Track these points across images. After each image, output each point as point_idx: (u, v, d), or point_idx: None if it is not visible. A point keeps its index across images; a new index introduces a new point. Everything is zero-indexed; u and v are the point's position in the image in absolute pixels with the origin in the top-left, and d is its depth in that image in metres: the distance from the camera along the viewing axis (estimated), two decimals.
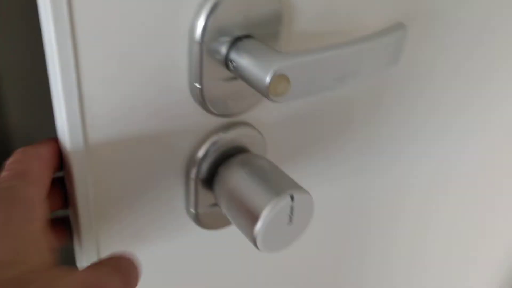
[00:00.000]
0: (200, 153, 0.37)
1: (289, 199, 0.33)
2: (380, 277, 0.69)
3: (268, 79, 0.30)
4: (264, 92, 0.30)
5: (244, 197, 0.35)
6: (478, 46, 0.53)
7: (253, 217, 0.33)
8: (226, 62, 0.33)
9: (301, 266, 0.55)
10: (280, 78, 0.30)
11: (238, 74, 0.32)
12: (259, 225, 0.33)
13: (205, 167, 0.37)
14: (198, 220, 0.39)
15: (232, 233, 0.43)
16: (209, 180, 0.38)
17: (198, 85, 0.33)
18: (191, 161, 0.37)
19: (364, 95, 0.45)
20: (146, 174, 0.36)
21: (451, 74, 0.53)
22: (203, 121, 0.36)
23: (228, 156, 0.38)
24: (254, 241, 0.34)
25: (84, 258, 0.37)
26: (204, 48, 0.32)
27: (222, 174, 0.37)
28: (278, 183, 0.35)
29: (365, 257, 0.64)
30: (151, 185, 0.37)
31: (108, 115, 0.32)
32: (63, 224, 0.37)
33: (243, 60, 0.32)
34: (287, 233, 0.35)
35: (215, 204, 0.39)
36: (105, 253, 0.37)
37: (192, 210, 0.39)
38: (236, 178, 0.36)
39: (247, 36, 0.33)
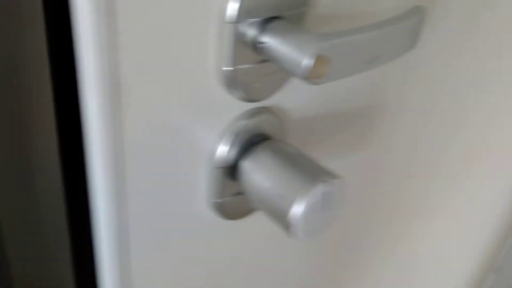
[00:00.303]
0: (225, 141, 0.35)
1: (325, 185, 0.33)
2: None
3: (308, 61, 0.29)
4: (303, 74, 0.29)
5: (276, 185, 0.34)
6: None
7: (288, 205, 0.32)
8: (256, 44, 0.32)
9: (320, 250, 0.54)
10: (321, 59, 0.29)
11: (270, 57, 0.31)
12: (295, 213, 0.32)
13: (229, 155, 0.36)
14: (222, 210, 0.38)
15: (253, 224, 0.42)
16: (234, 169, 0.36)
17: (227, 68, 0.32)
18: (215, 150, 0.36)
19: (385, 80, 0.45)
20: (168, 163, 0.34)
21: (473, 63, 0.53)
22: (228, 108, 0.35)
23: (251, 143, 0.37)
24: (288, 229, 0.33)
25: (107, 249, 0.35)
26: (235, 29, 0.31)
27: (249, 162, 0.36)
28: (310, 169, 0.34)
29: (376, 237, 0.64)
30: (173, 176, 0.35)
31: (137, 99, 0.30)
32: None
33: (277, 42, 0.31)
34: (321, 220, 0.34)
35: (239, 193, 0.38)
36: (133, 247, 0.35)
37: (216, 200, 0.38)
38: (266, 165, 0.35)
39: (276, 18, 0.32)
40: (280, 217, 0.33)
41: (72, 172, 0.36)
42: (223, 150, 0.36)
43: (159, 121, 0.32)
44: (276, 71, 0.34)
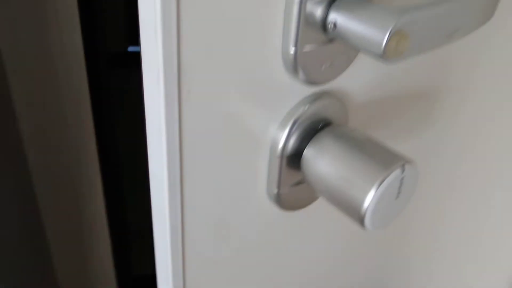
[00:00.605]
0: (286, 127, 0.34)
1: (401, 170, 0.31)
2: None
3: (386, 37, 0.27)
4: (380, 52, 0.27)
5: (345, 172, 0.32)
6: None
7: (361, 194, 0.30)
8: (326, 22, 0.30)
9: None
10: (399, 35, 0.27)
11: (341, 35, 0.29)
12: (369, 201, 0.30)
13: (291, 142, 0.34)
14: (280, 200, 0.36)
15: (312, 214, 0.40)
16: (295, 157, 0.35)
17: (293, 48, 0.30)
18: (276, 137, 0.34)
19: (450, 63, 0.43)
20: (227, 152, 0.32)
21: None
22: (291, 92, 0.33)
23: (313, 130, 0.35)
24: (361, 219, 0.31)
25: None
26: (303, 8, 0.29)
27: (312, 149, 0.34)
28: (381, 154, 0.32)
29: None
30: (232, 165, 0.33)
31: (197, 85, 0.28)
32: None
33: (349, 19, 0.28)
34: (393, 208, 0.32)
35: (298, 183, 0.36)
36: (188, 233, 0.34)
37: (274, 190, 0.36)
38: (332, 152, 0.33)
39: None
40: (351, 207, 0.31)
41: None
42: (284, 137, 0.34)
43: (218, 107, 0.30)
44: (342, 52, 0.32)
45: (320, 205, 0.39)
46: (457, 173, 0.57)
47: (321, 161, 0.33)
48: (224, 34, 0.28)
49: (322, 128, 0.34)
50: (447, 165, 0.54)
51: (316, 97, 0.34)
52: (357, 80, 0.36)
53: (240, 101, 0.31)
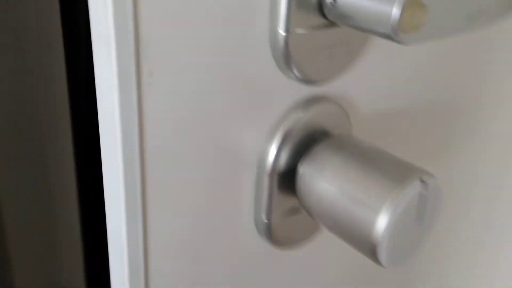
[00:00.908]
0: (278, 137, 0.27)
1: (419, 184, 0.24)
2: None
3: (398, 9, 0.21)
4: (392, 27, 0.22)
5: (352, 190, 0.25)
6: None
7: (373, 214, 0.23)
8: (321, 2, 0.24)
9: None
10: (415, 5, 0.21)
11: (342, 14, 0.24)
12: (382, 223, 0.23)
13: (282, 157, 0.27)
14: (270, 233, 0.29)
15: (311, 252, 0.33)
16: (288, 176, 0.28)
17: (282, 33, 0.24)
18: (264, 151, 0.27)
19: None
20: (203, 164, 0.26)
21: None
22: (281, 91, 0.27)
23: (309, 141, 0.28)
24: (373, 248, 0.24)
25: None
26: None
27: (310, 165, 0.27)
28: (395, 168, 0.25)
29: None
30: (208, 185, 0.27)
31: (161, 78, 0.22)
32: None
33: None
34: (414, 236, 0.25)
35: (294, 210, 0.29)
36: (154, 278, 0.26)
37: (264, 220, 0.29)
38: (335, 167, 0.26)
39: None
40: (359, 234, 0.24)
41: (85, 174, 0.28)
42: (273, 150, 0.27)
43: (188, 110, 0.24)
44: (343, 42, 0.26)
45: (323, 239, 0.32)
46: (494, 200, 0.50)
47: (320, 178, 0.26)
48: (194, 7, 0.22)
49: (320, 139, 0.28)
50: (483, 193, 0.47)
51: (312, 102, 0.28)
52: (363, 83, 0.30)
53: (217, 101, 0.25)
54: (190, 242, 0.27)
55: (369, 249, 0.24)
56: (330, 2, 0.24)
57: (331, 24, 0.25)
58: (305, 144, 0.28)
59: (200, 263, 0.28)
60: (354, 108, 0.30)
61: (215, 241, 0.28)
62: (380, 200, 0.23)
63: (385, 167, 0.25)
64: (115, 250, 0.26)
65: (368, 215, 0.24)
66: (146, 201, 0.24)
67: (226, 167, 0.27)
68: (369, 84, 0.31)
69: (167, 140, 0.24)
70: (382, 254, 0.24)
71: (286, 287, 0.33)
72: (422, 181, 0.24)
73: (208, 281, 0.29)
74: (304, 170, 0.27)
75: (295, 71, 0.25)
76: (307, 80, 0.27)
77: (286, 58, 0.25)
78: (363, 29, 0.23)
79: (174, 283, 0.27)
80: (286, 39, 0.24)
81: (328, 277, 0.36)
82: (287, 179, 0.28)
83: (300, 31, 0.24)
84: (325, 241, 0.31)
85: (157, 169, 0.24)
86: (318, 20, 0.25)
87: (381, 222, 0.23)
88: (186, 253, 0.27)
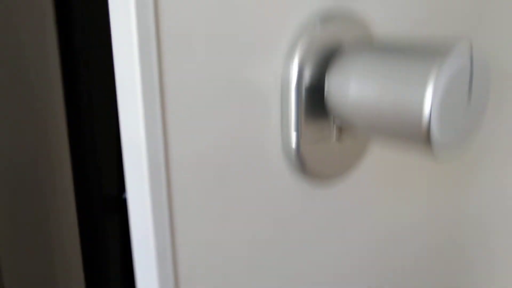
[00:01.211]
0: (300, 49, 0.25)
1: (468, 56, 0.22)
2: None
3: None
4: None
5: (390, 77, 0.23)
6: None
7: (421, 89, 0.21)
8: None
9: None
10: None
11: None
12: (430, 96, 0.21)
13: (308, 71, 0.25)
14: (301, 161, 0.26)
15: (345, 193, 0.30)
16: (315, 92, 0.26)
17: None
18: (285, 69, 0.25)
19: None
20: (221, 96, 0.24)
21: None
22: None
23: (332, 54, 0.26)
24: (427, 123, 0.21)
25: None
26: None
27: (340, 69, 0.25)
28: (433, 46, 0.23)
29: None
30: (232, 114, 0.24)
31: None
32: None
33: None
34: (465, 117, 0.23)
35: (323, 137, 0.27)
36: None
37: (293, 145, 0.26)
38: (367, 62, 0.24)
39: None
40: (408, 117, 0.22)
41: None
42: (296, 66, 0.25)
43: (203, 24, 0.22)
44: None
45: (357, 180, 0.29)
46: None
47: (352, 78, 0.24)
48: None
49: (342, 48, 0.26)
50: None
51: (328, 16, 0.26)
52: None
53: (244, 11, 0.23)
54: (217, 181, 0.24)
55: (421, 126, 0.21)
56: None
57: None
58: (328, 57, 0.26)
59: (226, 195, 0.24)
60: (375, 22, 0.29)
61: (240, 171, 0.25)
62: (425, 73, 0.21)
63: (421, 48, 0.23)
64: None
65: (416, 90, 0.21)
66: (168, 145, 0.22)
67: (248, 95, 0.24)
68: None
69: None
70: (434, 128, 0.21)
71: (320, 232, 0.30)
72: (467, 47, 0.22)
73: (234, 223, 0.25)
74: (334, 76, 0.25)
75: None
76: None
77: None
78: None
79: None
80: None
81: (363, 225, 0.32)
82: (314, 96, 0.26)
83: None
84: (360, 182, 0.29)
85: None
86: None
87: (429, 92, 0.21)
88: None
